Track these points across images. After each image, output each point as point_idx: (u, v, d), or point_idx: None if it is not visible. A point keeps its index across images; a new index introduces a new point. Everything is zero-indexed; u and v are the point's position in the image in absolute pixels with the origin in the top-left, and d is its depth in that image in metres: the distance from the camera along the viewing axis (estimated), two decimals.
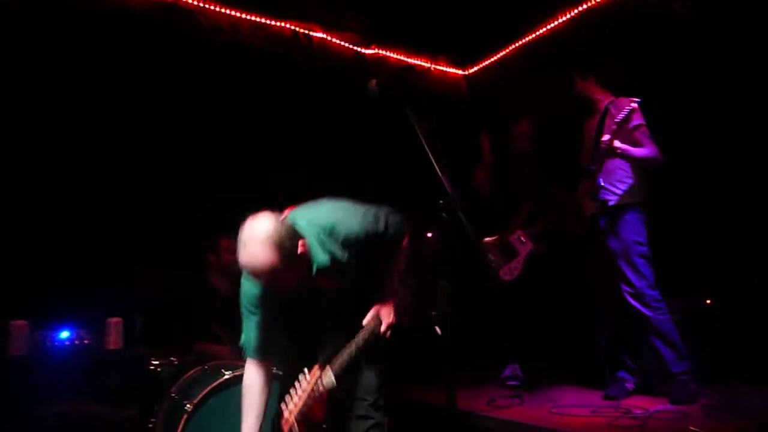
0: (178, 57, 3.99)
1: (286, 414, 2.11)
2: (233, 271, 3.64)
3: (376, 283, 2.34)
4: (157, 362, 3.06)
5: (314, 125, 4.47)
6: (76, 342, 3.15)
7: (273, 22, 4.38)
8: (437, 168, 1.94)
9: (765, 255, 3.42)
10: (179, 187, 3.92)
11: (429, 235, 4.21)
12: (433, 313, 2.67)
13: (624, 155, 3.16)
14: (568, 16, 4.43)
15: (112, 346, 3.23)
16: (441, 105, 4.80)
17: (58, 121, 3.63)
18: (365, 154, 4.67)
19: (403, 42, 4.97)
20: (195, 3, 4.06)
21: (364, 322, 2.27)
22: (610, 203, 3.29)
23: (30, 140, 3.54)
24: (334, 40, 4.66)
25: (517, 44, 4.88)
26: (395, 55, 4.98)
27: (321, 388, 2.12)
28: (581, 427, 2.79)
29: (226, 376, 2.63)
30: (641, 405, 3.03)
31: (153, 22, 3.91)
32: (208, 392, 2.59)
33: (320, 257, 2.14)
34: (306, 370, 2.16)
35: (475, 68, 5.32)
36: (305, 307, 2.27)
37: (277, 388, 2.38)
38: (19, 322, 3.08)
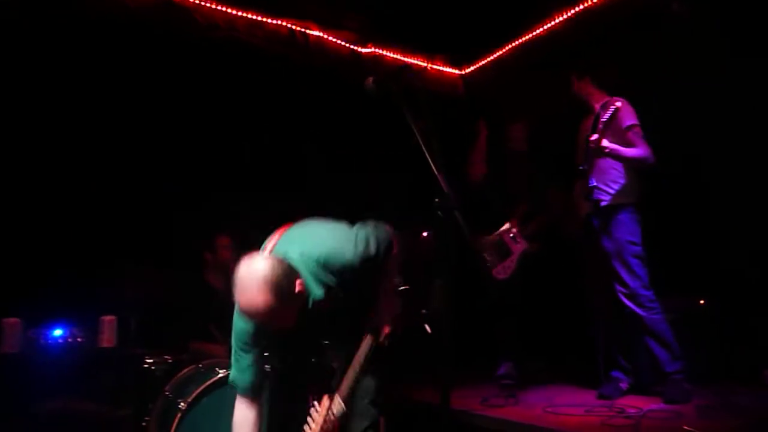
0: (173, 54, 3.97)
1: None
2: (230, 269, 3.67)
3: (370, 297, 2.32)
4: (151, 360, 3.05)
5: (310, 124, 4.46)
6: (70, 340, 3.14)
7: (270, 20, 4.36)
8: (433, 167, 1.94)
9: (759, 255, 3.44)
10: (175, 185, 3.90)
11: (425, 234, 4.20)
12: (423, 311, 2.66)
13: (613, 155, 3.17)
14: (565, 16, 4.43)
15: (105, 344, 3.22)
16: (437, 104, 4.80)
17: (53, 119, 3.62)
18: (361, 153, 4.66)
19: (400, 41, 4.97)
20: (192, 0, 4.05)
21: (362, 344, 2.24)
22: (603, 203, 3.30)
23: (24, 138, 3.52)
24: (330, 38, 4.65)
25: (513, 44, 4.88)
26: (392, 54, 4.97)
27: (332, 417, 2.10)
28: (575, 426, 2.79)
29: (220, 375, 2.62)
30: (635, 404, 3.04)
31: (149, 19, 3.90)
32: (202, 391, 2.59)
33: (316, 291, 2.10)
34: (316, 403, 2.16)
35: (472, 68, 5.32)
36: (300, 333, 2.20)
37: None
38: (12, 319, 3.07)
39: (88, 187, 3.68)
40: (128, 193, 3.80)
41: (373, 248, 2.19)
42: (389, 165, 4.60)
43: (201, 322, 3.45)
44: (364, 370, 2.19)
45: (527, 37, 4.75)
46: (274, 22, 4.39)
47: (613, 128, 3.21)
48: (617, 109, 3.07)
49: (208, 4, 4.10)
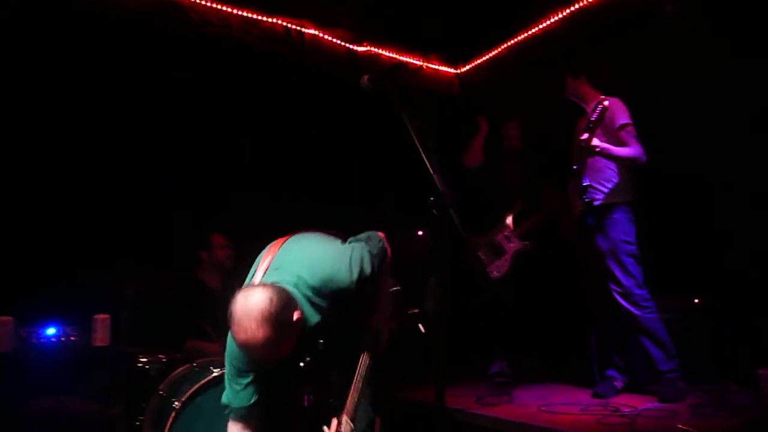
0: (167, 53, 3.95)
1: None
2: (225, 268, 3.66)
3: (365, 309, 2.32)
4: (145, 359, 3.03)
5: (305, 122, 4.45)
6: (63, 339, 3.11)
7: (265, 18, 4.35)
8: (429, 166, 1.94)
9: (754, 254, 3.45)
10: (169, 183, 3.89)
11: (419, 233, 4.21)
12: (416, 310, 2.66)
13: (604, 154, 3.17)
14: (561, 15, 4.44)
15: (99, 343, 3.20)
16: (433, 103, 4.80)
17: (44, 117, 3.59)
18: (356, 152, 4.65)
19: (396, 40, 4.96)
20: None
21: (360, 363, 2.23)
22: (597, 202, 3.31)
23: (16, 137, 3.49)
24: (326, 37, 4.63)
25: (509, 43, 4.88)
26: (387, 53, 4.96)
27: None
28: (570, 424, 2.80)
29: (214, 374, 2.61)
30: (630, 403, 3.05)
31: (146, 18, 3.87)
32: (196, 390, 2.58)
33: (313, 318, 2.08)
34: (325, 428, 2.16)
35: (468, 67, 5.32)
36: (295, 353, 2.16)
37: None
38: (4, 318, 3.04)
39: (80, 184, 3.65)
40: (122, 191, 3.78)
41: (368, 269, 2.16)
42: (384, 164, 4.59)
43: (195, 320, 3.44)
44: (366, 382, 2.19)
45: (523, 36, 4.76)
46: (270, 20, 4.38)
47: (605, 127, 3.22)
48: (604, 109, 3.08)
49: (202, 2, 4.08)
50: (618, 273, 3.22)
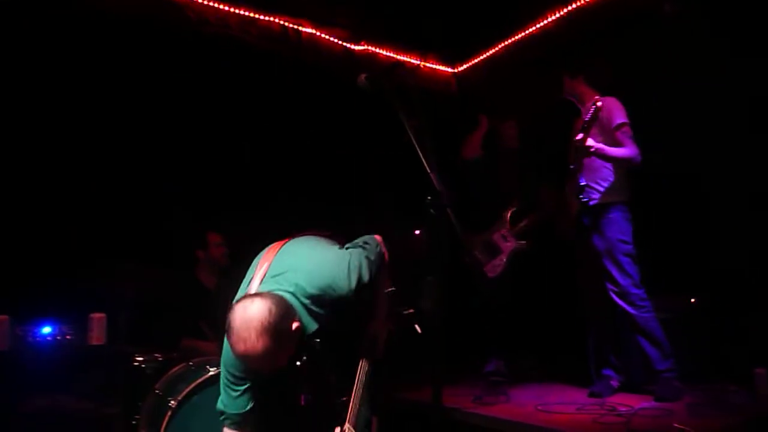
0: (164, 51, 3.93)
1: None
2: (221, 266, 3.66)
3: (363, 315, 2.32)
4: (141, 358, 3.03)
5: (302, 121, 4.44)
6: (59, 337, 3.10)
7: (262, 17, 4.34)
8: (426, 165, 1.93)
9: (751, 254, 3.45)
10: (166, 182, 3.88)
11: (417, 232, 4.21)
12: (411, 310, 2.66)
13: (599, 154, 3.17)
14: (558, 15, 4.44)
15: (95, 342, 3.19)
16: (430, 102, 4.80)
17: (40, 116, 3.57)
18: (354, 151, 4.65)
19: (393, 39, 4.96)
20: None
21: (358, 371, 2.23)
22: (593, 202, 3.31)
23: (14, 135, 3.48)
24: (323, 35, 4.63)
25: (506, 42, 4.88)
26: (385, 52, 4.96)
27: None
28: (566, 424, 2.80)
29: (211, 373, 2.60)
30: (626, 402, 3.05)
31: (144, 17, 3.85)
32: (192, 389, 2.57)
33: (311, 326, 2.07)
34: None
35: (465, 66, 5.32)
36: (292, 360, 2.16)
37: None
38: (0, 316, 3.03)
39: (77, 183, 3.64)
40: (119, 190, 3.77)
41: (366, 276, 2.15)
42: (382, 163, 4.59)
43: (192, 319, 3.43)
44: (366, 389, 2.19)
45: (520, 36, 4.76)
46: (267, 18, 4.37)
47: (603, 127, 3.23)
48: (598, 109, 3.08)
49: (200, 1, 4.07)
50: (615, 272, 3.22)
